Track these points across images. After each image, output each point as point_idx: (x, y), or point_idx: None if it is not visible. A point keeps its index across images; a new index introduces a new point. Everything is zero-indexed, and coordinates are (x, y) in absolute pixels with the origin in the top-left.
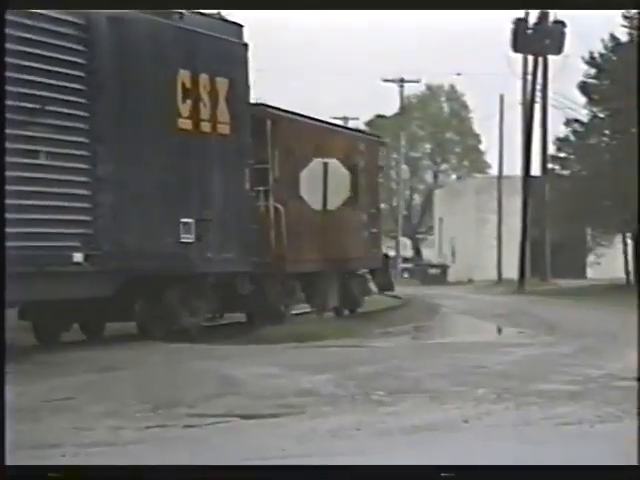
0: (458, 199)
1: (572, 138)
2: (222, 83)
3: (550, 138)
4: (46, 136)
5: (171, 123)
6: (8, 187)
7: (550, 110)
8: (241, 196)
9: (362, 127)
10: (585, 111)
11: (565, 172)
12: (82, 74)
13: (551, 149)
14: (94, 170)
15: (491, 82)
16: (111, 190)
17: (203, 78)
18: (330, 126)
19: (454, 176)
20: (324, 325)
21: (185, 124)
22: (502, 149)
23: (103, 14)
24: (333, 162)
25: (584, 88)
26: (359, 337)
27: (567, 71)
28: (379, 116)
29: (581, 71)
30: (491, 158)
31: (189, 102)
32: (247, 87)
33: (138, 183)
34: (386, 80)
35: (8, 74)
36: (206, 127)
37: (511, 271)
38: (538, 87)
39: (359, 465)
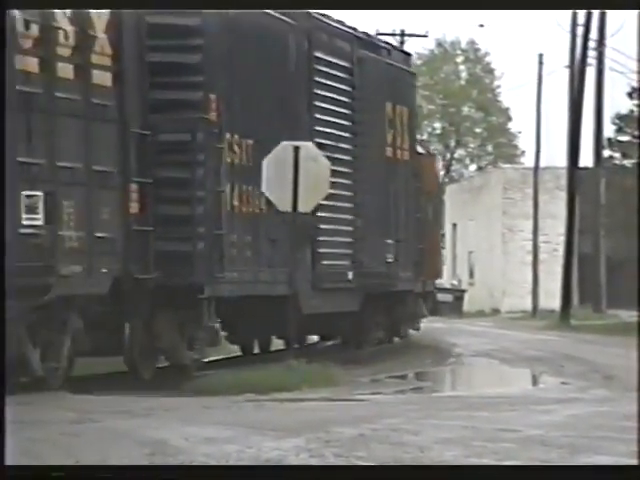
0: (479, 198)
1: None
2: (405, 111)
3: (607, 114)
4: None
5: (383, 152)
6: (321, 213)
7: (608, 75)
8: (414, 216)
9: None
10: None
11: (628, 162)
12: (350, 111)
13: (609, 130)
14: (354, 197)
15: (526, 37)
16: (358, 214)
17: (398, 108)
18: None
19: (473, 167)
20: (292, 369)
21: (389, 152)
22: (540, 129)
23: (355, 52)
24: (307, 146)
25: None
26: (341, 387)
27: (632, 21)
28: None
29: None
30: (525, 142)
31: (391, 131)
32: (416, 114)
33: (368, 207)
34: (381, 34)
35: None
36: (398, 154)
37: (551, 299)
38: (592, 44)
39: (359, 465)
